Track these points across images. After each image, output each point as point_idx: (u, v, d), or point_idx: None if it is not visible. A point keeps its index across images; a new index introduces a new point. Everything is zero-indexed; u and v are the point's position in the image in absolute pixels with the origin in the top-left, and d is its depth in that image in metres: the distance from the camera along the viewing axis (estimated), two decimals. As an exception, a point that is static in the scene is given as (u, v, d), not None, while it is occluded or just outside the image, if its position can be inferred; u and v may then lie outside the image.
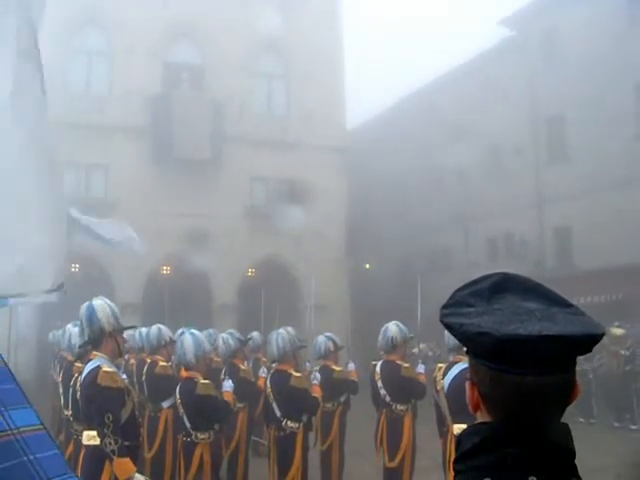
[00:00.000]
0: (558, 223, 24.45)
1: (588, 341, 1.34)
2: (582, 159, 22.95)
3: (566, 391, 1.38)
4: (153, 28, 22.97)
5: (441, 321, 1.43)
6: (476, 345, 1.36)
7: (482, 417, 1.42)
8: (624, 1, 22.18)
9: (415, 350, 8.54)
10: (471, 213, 27.71)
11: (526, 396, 1.33)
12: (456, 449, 1.43)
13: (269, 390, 6.95)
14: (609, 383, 16.18)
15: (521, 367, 1.31)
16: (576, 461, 1.43)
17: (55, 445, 2.51)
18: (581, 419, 15.49)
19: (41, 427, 2.47)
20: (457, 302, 1.43)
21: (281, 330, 7.22)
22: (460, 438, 1.43)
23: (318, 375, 7.79)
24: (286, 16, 23.63)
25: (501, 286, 1.43)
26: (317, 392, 7.31)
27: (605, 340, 16.50)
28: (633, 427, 15.00)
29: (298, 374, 6.93)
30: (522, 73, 25.82)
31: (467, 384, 1.45)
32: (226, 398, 6.78)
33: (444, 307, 1.45)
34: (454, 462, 1.42)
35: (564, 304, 1.40)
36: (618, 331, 16.39)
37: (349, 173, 25.91)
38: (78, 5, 22.25)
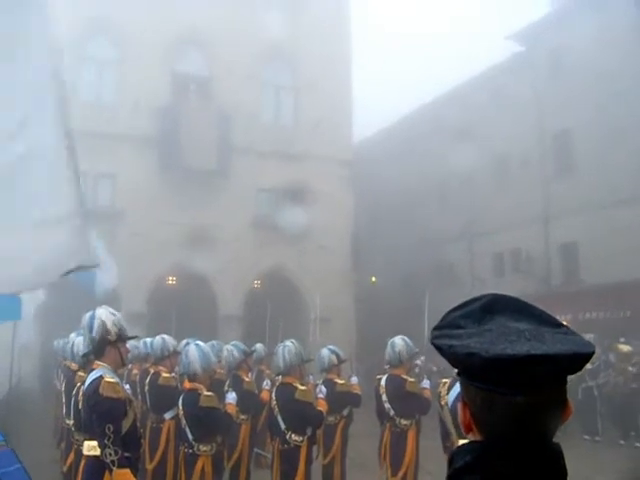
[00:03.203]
0: (564, 238, 24.39)
1: (576, 360, 1.34)
2: (589, 174, 22.93)
3: (557, 410, 1.37)
4: (162, 38, 23.08)
5: (432, 342, 1.44)
6: (466, 366, 1.38)
7: (474, 438, 1.43)
8: (631, 17, 22.22)
9: (418, 362, 8.50)
10: (477, 227, 27.68)
11: (516, 416, 1.33)
12: (449, 466, 1.43)
13: (274, 403, 6.92)
14: (614, 400, 16.08)
15: (510, 387, 1.32)
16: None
17: (18, 460, 2.54)
18: (586, 437, 15.41)
19: (3, 444, 2.50)
20: (448, 324, 1.44)
21: (288, 343, 7.19)
22: (452, 455, 1.43)
23: (324, 389, 7.76)
24: (294, 27, 23.75)
25: (492, 307, 1.43)
26: (322, 406, 7.28)
27: (611, 357, 16.49)
28: (638, 445, 14.88)
29: (303, 387, 6.89)
30: (530, 88, 25.85)
31: (459, 405, 1.46)
32: (229, 410, 6.75)
33: (435, 328, 1.46)
34: (446, 479, 1.42)
35: (554, 324, 1.41)
36: (625, 347, 16.32)
37: (356, 185, 25.94)
38: (88, 15, 22.37)
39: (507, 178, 26.82)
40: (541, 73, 25.61)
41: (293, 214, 24.45)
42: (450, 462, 1.43)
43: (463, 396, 1.44)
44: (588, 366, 15.33)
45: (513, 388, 1.31)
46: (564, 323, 1.44)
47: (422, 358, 8.85)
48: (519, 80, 26.38)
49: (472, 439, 1.43)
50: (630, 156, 21.44)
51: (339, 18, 26.06)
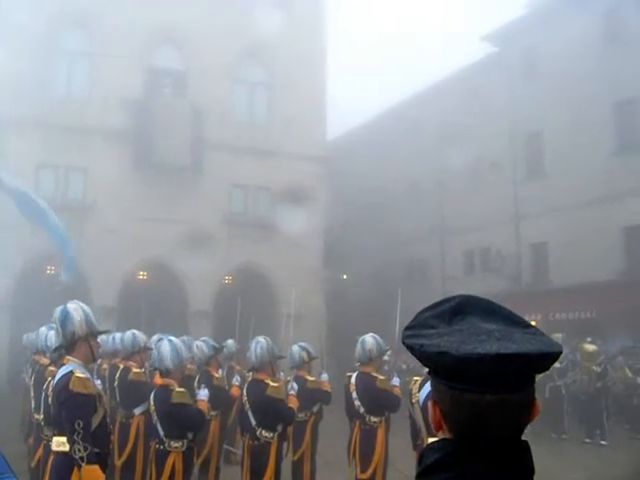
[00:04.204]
0: (534, 238, 24.65)
1: (544, 359, 1.36)
2: (559, 176, 23.17)
3: (525, 409, 1.39)
4: (136, 32, 22.87)
5: (403, 342, 1.45)
6: (436, 364, 1.39)
7: (444, 436, 1.44)
8: (603, 21, 22.51)
9: (385, 358, 8.51)
10: (449, 226, 27.86)
11: (485, 414, 1.35)
12: (418, 464, 1.45)
13: (245, 399, 6.91)
14: (580, 399, 16.31)
15: (480, 385, 1.34)
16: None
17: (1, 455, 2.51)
18: (553, 434, 15.60)
19: None
20: (419, 324, 1.46)
21: (260, 339, 7.18)
22: (422, 453, 1.45)
23: (295, 385, 7.77)
24: (270, 24, 23.65)
25: (463, 308, 1.45)
26: (293, 402, 7.29)
27: (578, 356, 16.72)
28: (603, 443, 15.11)
29: (275, 384, 6.89)
30: (503, 89, 26.05)
31: (429, 403, 1.47)
32: (201, 407, 6.72)
33: (406, 328, 1.48)
34: (416, 477, 1.44)
35: (524, 325, 1.43)
36: (590, 347, 16.54)
37: (329, 183, 25.94)
38: (61, 7, 22.12)
39: (478, 178, 27.01)
40: (514, 74, 25.81)
41: (266, 210, 24.45)
42: (420, 460, 1.45)
43: (433, 394, 1.45)
44: (556, 365, 15.56)
45: (483, 386, 1.33)
46: (533, 324, 1.47)
47: (389, 353, 8.85)
48: (492, 81, 26.56)
49: (442, 437, 1.44)
50: (600, 158, 21.72)
51: (315, 16, 26.02)
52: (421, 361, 1.43)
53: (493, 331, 1.37)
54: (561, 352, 1.39)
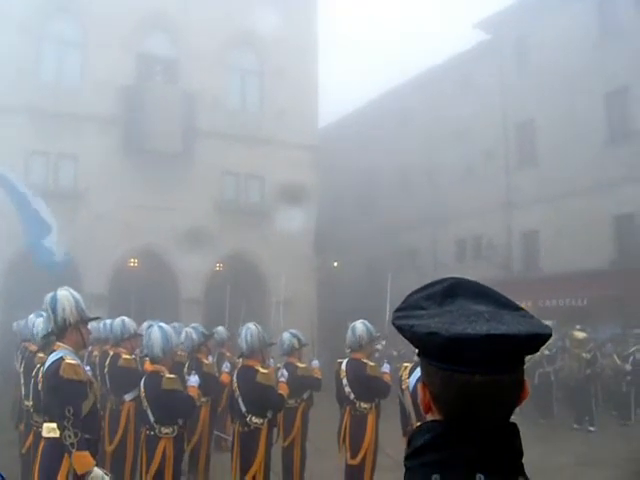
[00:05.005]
0: (525, 227, 24.72)
1: (534, 340, 1.36)
2: (551, 165, 23.23)
3: (514, 391, 1.39)
4: (127, 19, 22.72)
5: (393, 323, 1.45)
6: (426, 345, 1.39)
7: (434, 417, 1.44)
8: (595, 12, 22.51)
9: (378, 346, 8.53)
10: (440, 214, 27.89)
11: (474, 395, 1.35)
12: (408, 446, 1.45)
13: (235, 385, 6.93)
14: (570, 385, 16.42)
15: (469, 366, 1.33)
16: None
17: None
18: (542, 420, 15.71)
19: None
20: (410, 305, 1.46)
21: (251, 325, 7.18)
22: (412, 435, 1.45)
23: (285, 372, 7.78)
24: (261, 12, 23.55)
25: (453, 290, 1.45)
26: (284, 389, 7.30)
27: (567, 343, 16.83)
28: (591, 429, 15.24)
29: (265, 370, 6.91)
30: (495, 77, 26.03)
31: (419, 385, 1.47)
32: (191, 393, 6.74)
33: (397, 310, 1.48)
34: (405, 458, 1.44)
35: (513, 307, 1.43)
36: (580, 334, 16.63)
37: (320, 171, 25.91)
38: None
39: (470, 166, 27.03)
40: (507, 62, 25.80)
41: (257, 198, 24.43)
42: (409, 441, 1.45)
43: (423, 377, 1.45)
44: (546, 352, 15.69)
45: (472, 367, 1.33)
46: (523, 307, 1.47)
47: (383, 342, 8.89)
48: (484, 69, 26.54)
49: (431, 419, 1.44)
50: (591, 148, 21.78)
51: (306, 4, 25.92)
52: (411, 342, 1.42)
53: (483, 312, 1.37)
54: (551, 334, 1.39)
